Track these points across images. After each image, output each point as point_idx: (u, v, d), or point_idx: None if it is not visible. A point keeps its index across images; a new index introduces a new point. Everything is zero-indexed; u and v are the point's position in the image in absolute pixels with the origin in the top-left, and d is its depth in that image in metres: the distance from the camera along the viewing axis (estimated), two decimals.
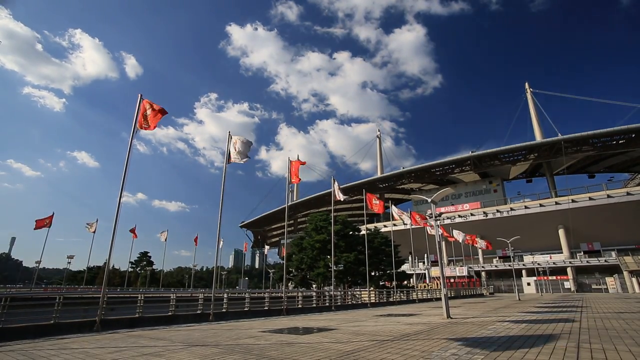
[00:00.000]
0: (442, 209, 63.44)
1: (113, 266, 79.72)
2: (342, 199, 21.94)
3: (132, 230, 44.04)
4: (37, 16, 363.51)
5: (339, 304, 20.04)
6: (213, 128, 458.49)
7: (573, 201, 51.52)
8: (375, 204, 25.77)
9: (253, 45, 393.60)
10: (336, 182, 22.68)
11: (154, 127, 11.14)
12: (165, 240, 48.96)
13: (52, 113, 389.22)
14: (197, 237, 49.91)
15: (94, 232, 39.18)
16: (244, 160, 14.09)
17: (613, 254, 49.57)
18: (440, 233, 13.37)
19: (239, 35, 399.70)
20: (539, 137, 63.09)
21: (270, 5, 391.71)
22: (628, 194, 48.27)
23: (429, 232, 33.45)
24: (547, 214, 53.70)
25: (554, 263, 52.83)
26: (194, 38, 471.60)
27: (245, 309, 14.75)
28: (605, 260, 49.40)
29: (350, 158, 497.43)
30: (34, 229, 32.94)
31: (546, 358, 4.29)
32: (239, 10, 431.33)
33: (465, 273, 54.86)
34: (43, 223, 33.24)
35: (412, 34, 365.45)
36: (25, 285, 75.73)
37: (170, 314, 11.30)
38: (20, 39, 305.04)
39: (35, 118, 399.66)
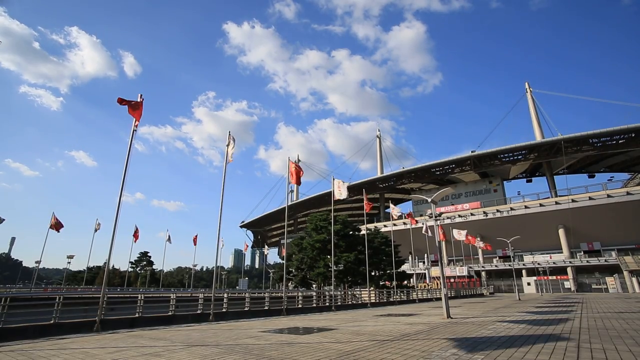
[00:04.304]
0: (442, 209, 63.45)
1: (113, 266, 79.74)
2: (343, 197, 21.85)
3: (135, 234, 43.74)
4: (33, 14, 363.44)
5: (339, 304, 20.04)
6: (211, 127, 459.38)
7: (573, 201, 51.52)
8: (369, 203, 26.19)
9: (250, 43, 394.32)
10: (337, 180, 22.58)
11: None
12: (169, 241, 49.10)
13: (50, 112, 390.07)
14: (196, 237, 49.90)
15: (96, 231, 39.16)
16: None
17: (613, 253, 49.56)
18: (437, 232, 13.37)
19: (236, 33, 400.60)
20: (538, 137, 63.08)
21: (268, 3, 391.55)
22: (628, 193, 48.27)
23: (425, 233, 33.70)
24: (547, 214, 53.70)
25: (554, 263, 52.83)
26: (190, 36, 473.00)
27: (246, 309, 14.76)
28: (605, 260, 49.39)
29: (350, 157, 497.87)
30: (50, 227, 33.86)
31: (546, 358, 4.28)
32: (236, 9, 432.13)
33: (465, 273, 54.86)
34: (54, 223, 34.61)
35: (412, 31, 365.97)
36: (25, 285, 75.79)
37: (170, 314, 11.30)
38: (17, 37, 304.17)
39: (33, 117, 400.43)
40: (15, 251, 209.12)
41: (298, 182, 18.30)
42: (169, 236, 49.79)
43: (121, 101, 10.97)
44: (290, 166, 18.19)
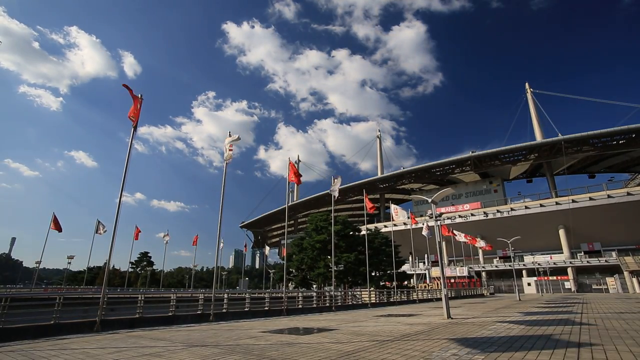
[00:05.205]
0: (443, 209, 63.49)
1: (113, 266, 79.81)
2: (335, 195, 21.87)
3: (137, 234, 43.58)
4: (32, 13, 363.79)
5: (339, 304, 20.02)
6: (211, 127, 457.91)
7: (573, 201, 51.52)
8: (371, 205, 26.24)
9: (250, 43, 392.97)
10: (336, 180, 22.51)
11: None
12: (167, 241, 49.01)
13: (49, 112, 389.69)
14: (196, 238, 49.81)
15: (100, 234, 38.98)
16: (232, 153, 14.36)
17: (613, 254, 49.57)
18: (439, 232, 13.36)
19: (236, 33, 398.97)
20: (539, 137, 63.12)
21: (268, 3, 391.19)
22: (628, 194, 48.25)
23: (424, 234, 33.55)
24: (548, 214, 53.69)
25: (554, 263, 52.81)
26: (190, 36, 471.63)
27: (246, 309, 14.75)
28: (606, 261, 49.39)
29: (350, 158, 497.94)
30: (52, 228, 33.74)
31: (547, 358, 4.28)
32: (235, 8, 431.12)
33: (465, 273, 54.83)
34: (55, 225, 34.34)
35: (412, 31, 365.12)
36: (26, 285, 75.79)
37: (170, 314, 11.30)
38: (16, 37, 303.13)
39: (32, 117, 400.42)
40: (15, 251, 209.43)
41: (298, 182, 18.36)
42: (168, 235, 49.60)
43: (126, 86, 11.12)
44: (290, 166, 18.22)
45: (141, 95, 11.40)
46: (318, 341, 6.26)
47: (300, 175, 18.80)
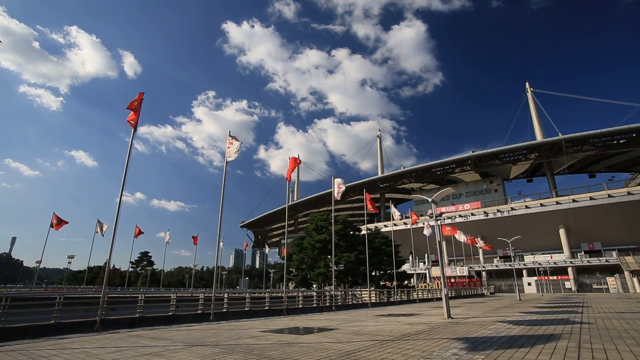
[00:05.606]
0: (443, 209, 63.48)
1: (113, 266, 79.86)
2: (337, 197, 21.91)
3: (138, 234, 43.53)
4: (32, 13, 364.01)
5: (340, 303, 20.03)
6: (211, 127, 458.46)
7: (574, 201, 51.48)
8: (372, 204, 26.34)
9: (250, 43, 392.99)
10: (337, 179, 22.56)
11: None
12: (168, 241, 49.02)
13: (49, 112, 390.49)
14: (196, 237, 49.77)
15: (102, 235, 38.91)
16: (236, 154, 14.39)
17: (614, 253, 49.51)
18: (440, 231, 13.36)
19: (236, 33, 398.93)
20: (539, 137, 63.02)
21: (267, 2, 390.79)
22: (629, 193, 48.20)
23: (425, 234, 33.62)
24: (548, 214, 53.66)
25: (554, 263, 52.78)
26: (190, 36, 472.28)
27: (246, 309, 14.76)
28: (606, 260, 49.34)
29: (350, 157, 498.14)
30: (54, 226, 33.77)
31: (547, 358, 4.27)
32: (235, 8, 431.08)
33: (465, 273, 54.77)
34: (59, 223, 34.36)
35: (412, 30, 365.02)
36: (26, 285, 76.00)
37: (170, 313, 11.31)
38: (16, 36, 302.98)
39: (32, 117, 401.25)
40: (15, 251, 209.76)
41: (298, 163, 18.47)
42: (169, 235, 49.61)
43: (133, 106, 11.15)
44: (290, 163, 18.26)
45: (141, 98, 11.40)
46: (318, 341, 6.26)
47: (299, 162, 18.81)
